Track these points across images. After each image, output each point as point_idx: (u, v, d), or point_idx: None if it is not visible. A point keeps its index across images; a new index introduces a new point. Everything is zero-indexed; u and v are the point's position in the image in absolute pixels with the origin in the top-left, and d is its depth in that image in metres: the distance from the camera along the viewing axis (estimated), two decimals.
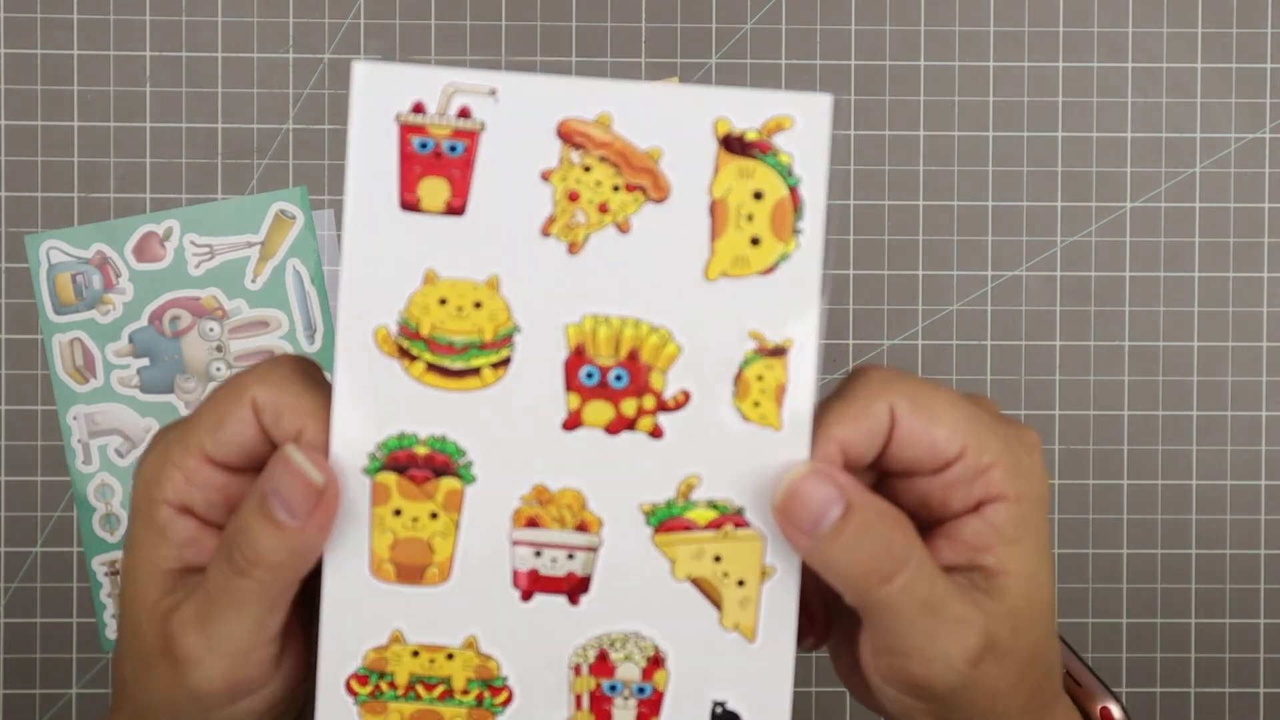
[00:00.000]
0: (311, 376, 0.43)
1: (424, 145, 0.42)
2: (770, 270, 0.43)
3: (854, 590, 0.40)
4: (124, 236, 0.72)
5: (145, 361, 0.72)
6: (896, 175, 0.73)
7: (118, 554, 0.72)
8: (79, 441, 0.72)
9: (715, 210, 0.43)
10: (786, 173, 0.43)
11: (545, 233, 0.42)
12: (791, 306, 0.43)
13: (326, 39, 0.73)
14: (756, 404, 0.42)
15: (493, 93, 0.42)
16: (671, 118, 0.42)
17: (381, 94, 0.41)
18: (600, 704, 0.43)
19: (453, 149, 0.42)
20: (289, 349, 0.72)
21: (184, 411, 0.72)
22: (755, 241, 0.43)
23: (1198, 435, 0.74)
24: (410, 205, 0.42)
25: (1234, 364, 0.73)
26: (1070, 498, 0.74)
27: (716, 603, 0.43)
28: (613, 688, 0.43)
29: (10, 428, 0.72)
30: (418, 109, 0.42)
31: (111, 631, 0.72)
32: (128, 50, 0.72)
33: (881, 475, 0.44)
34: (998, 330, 0.73)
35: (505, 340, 0.42)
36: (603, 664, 0.43)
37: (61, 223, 0.72)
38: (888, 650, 0.41)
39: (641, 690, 0.43)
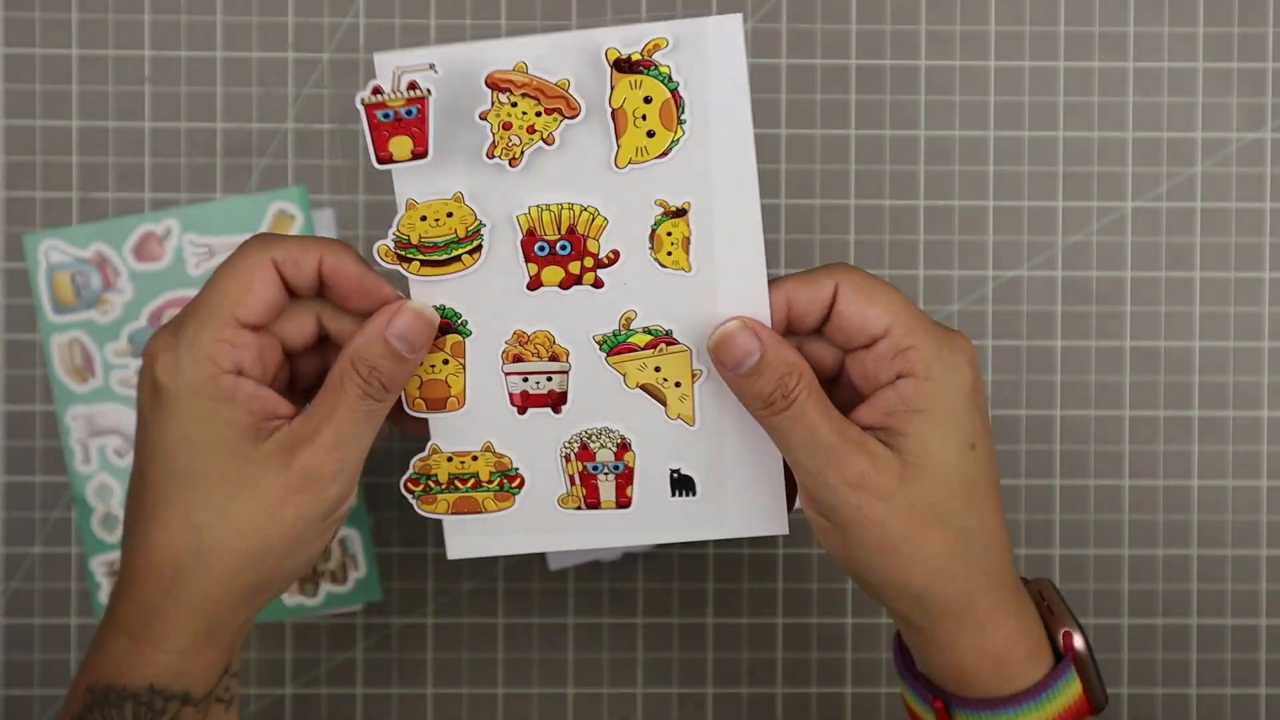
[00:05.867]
0: (288, 231, 0.56)
1: (386, 115, 0.56)
2: (665, 154, 0.56)
3: (759, 415, 0.54)
4: (123, 236, 0.72)
5: None
6: (896, 175, 0.73)
7: (117, 554, 0.72)
8: (78, 441, 0.72)
9: (616, 117, 0.56)
10: (666, 79, 0.56)
11: (490, 155, 0.56)
12: (686, 177, 0.56)
13: (326, 39, 0.73)
14: (669, 253, 0.56)
15: (432, 66, 0.55)
16: (573, 55, 0.56)
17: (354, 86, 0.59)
18: (588, 480, 0.59)
19: (409, 113, 0.56)
20: None
21: None
22: (650, 134, 0.56)
23: (1199, 435, 0.73)
24: (385, 160, 0.56)
25: (1235, 364, 0.73)
26: (1070, 497, 0.73)
27: (662, 401, 0.58)
28: (595, 468, 0.59)
29: (10, 428, 0.72)
30: (376, 90, 0.55)
31: None
32: (127, 50, 0.72)
33: (837, 349, 0.56)
34: (998, 330, 0.73)
35: (475, 234, 0.56)
36: (585, 451, 0.59)
37: (60, 222, 0.72)
38: (797, 473, 0.54)
39: (616, 468, 0.59)
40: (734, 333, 0.54)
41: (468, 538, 0.60)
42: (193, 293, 0.71)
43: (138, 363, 0.72)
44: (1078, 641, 0.55)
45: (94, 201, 0.72)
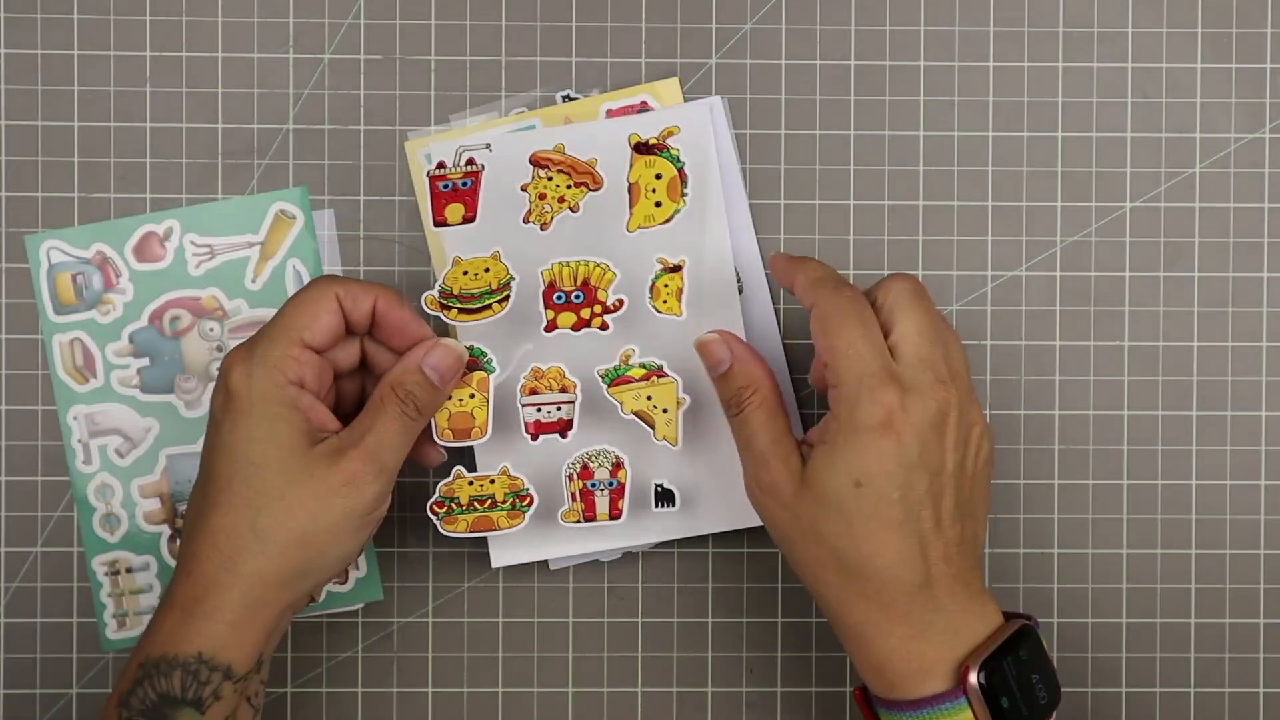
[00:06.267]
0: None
1: (445, 186, 0.69)
2: (668, 220, 0.69)
3: (726, 413, 0.65)
4: (124, 236, 0.72)
5: (145, 361, 0.72)
6: (896, 175, 0.73)
7: (117, 554, 0.72)
8: (79, 441, 0.72)
9: (631, 190, 0.69)
10: (675, 160, 0.69)
11: (526, 221, 0.69)
12: (683, 240, 0.69)
13: (326, 39, 0.73)
14: (665, 301, 0.68)
15: (488, 146, 0.69)
16: (602, 139, 0.69)
17: (420, 162, 0.70)
18: (587, 496, 0.69)
19: (464, 184, 0.69)
20: None
21: (184, 413, 0.72)
22: (658, 205, 0.69)
23: (1198, 435, 0.74)
24: (440, 223, 0.69)
25: (1234, 364, 0.73)
26: (1070, 497, 0.74)
27: (651, 425, 0.68)
28: (593, 485, 0.69)
29: (10, 428, 0.72)
30: (440, 165, 0.69)
31: (111, 631, 0.72)
32: (128, 50, 0.72)
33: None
34: (998, 330, 0.73)
35: (505, 286, 0.68)
36: (585, 470, 0.69)
37: (61, 223, 0.72)
38: (750, 460, 0.63)
39: (611, 483, 0.69)
40: (710, 342, 0.66)
41: (507, 550, 0.70)
42: (193, 292, 0.72)
43: (139, 363, 0.72)
44: (973, 677, 0.59)
45: (95, 202, 0.72)
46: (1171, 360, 0.73)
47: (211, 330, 0.72)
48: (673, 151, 0.69)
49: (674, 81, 0.72)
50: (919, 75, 0.73)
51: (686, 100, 0.71)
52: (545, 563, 0.73)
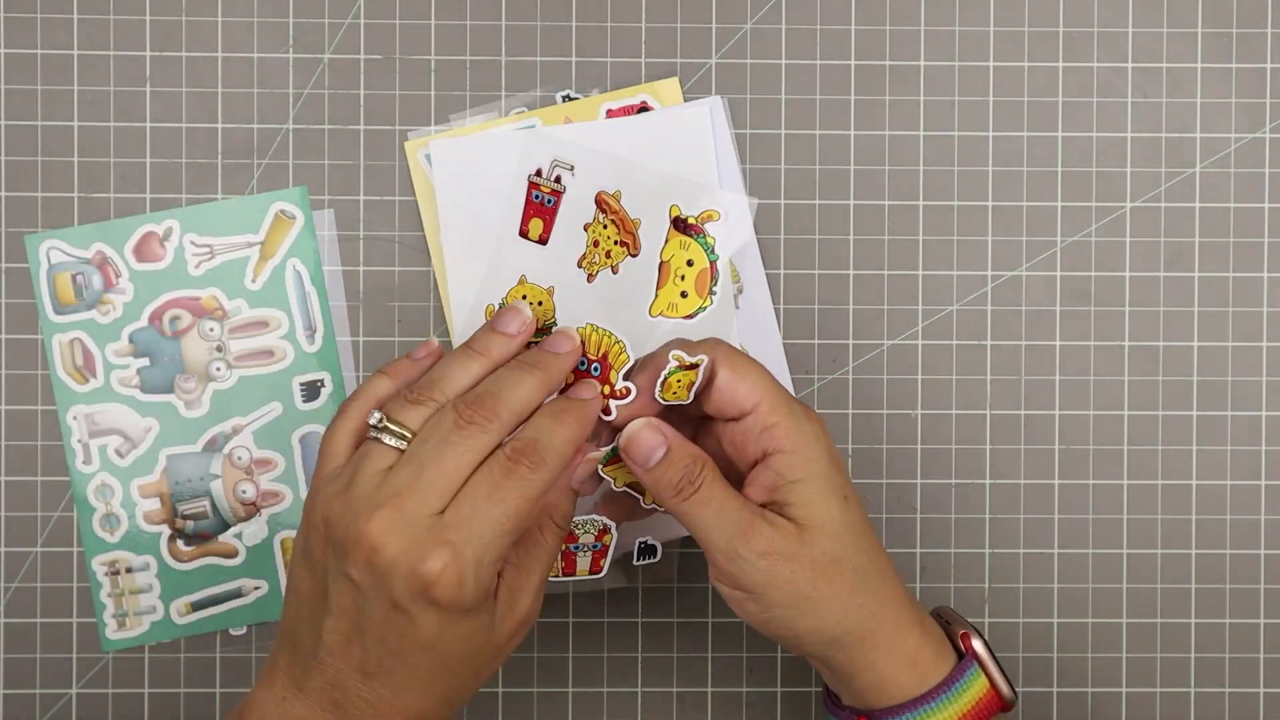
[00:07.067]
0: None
1: (538, 196, 0.67)
2: (691, 316, 0.68)
3: (671, 504, 0.60)
4: (124, 236, 0.72)
5: (145, 361, 0.72)
6: (896, 175, 0.73)
7: (117, 554, 0.72)
8: (79, 441, 0.72)
9: (662, 268, 0.68)
10: (710, 250, 0.68)
11: (579, 264, 0.68)
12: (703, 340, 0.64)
13: (326, 39, 0.73)
14: (674, 393, 0.61)
15: (572, 169, 0.68)
16: (649, 205, 0.68)
17: (519, 161, 0.69)
18: (568, 556, 0.65)
19: (549, 201, 0.68)
20: (289, 349, 0.72)
21: (184, 413, 0.72)
22: (684, 295, 0.68)
23: (1198, 435, 0.74)
24: (524, 234, 0.68)
25: (1234, 364, 0.73)
26: (1070, 497, 0.74)
27: (641, 493, 0.64)
28: (576, 548, 0.65)
29: (10, 428, 0.72)
30: (539, 173, 0.67)
31: (111, 631, 0.72)
32: (128, 50, 0.72)
33: (704, 422, 0.63)
34: (998, 330, 0.73)
35: (546, 330, 0.66)
36: (570, 536, 0.65)
37: (61, 223, 0.72)
38: (710, 552, 0.60)
39: (595, 546, 0.65)
40: (640, 430, 0.60)
41: None
42: (193, 292, 0.72)
43: (139, 363, 0.72)
44: (975, 642, 0.61)
45: (95, 202, 0.72)
46: (1171, 360, 0.73)
47: (211, 330, 0.72)
48: (709, 240, 0.67)
49: (674, 81, 0.72)
50: (919, 75, 0.73)
51: (686, 100, 0.71)
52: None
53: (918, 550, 0.73)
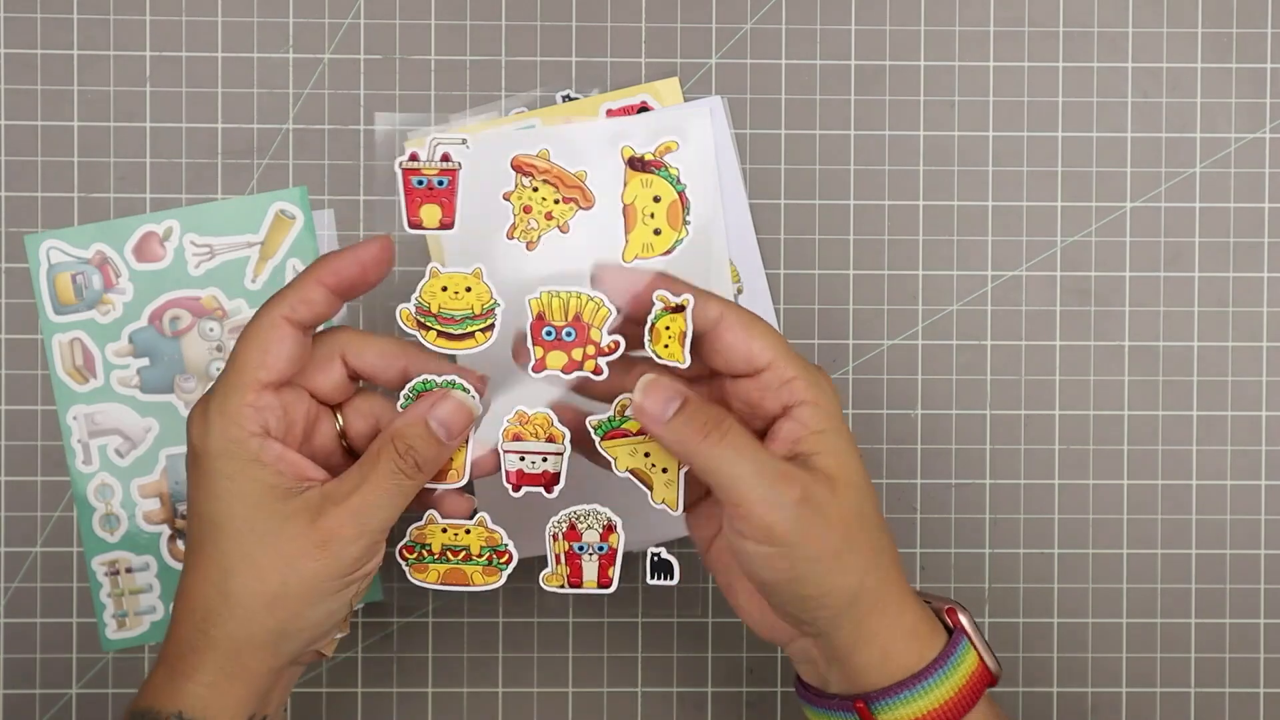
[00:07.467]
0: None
1: (420, 182, 0.59)
2: (669, 251, 0.61)
3: (693, 452, 0.56)
4: (124, 236, 0.72)
5: (145, 361, 0.72)
6: (896, 175, 0.73)
7: (117, 554, 0.72)
8: (79, 441, 0.72)
9: (627, 212, 0.61)
10: (674, 181, 0.61)
11: (510, 236, 0.60)
12: (686, 275, 0.59)
13: (326, 39, 0.73)
14: (666, 345, 0.58)
15: (464, 141, 0.60)
16: (592, 149, 0.61)
17: (390, 151, 0.64)
18: (573, 559, 0.61)
19: (440, 183, 0.60)
20: None
21: (184, 412, 0.72)
22: (657, 232, 0.61)
23: (1198, 435, 0.74)
24: (415, 225, 0.60)
25: (1234, 364, 0.73)
26: (1070, 497, 0.74)
27: (649, 485, 0.60)
28: (581, 548, 0.61)
29: (10, 428, 0.72)
30: (413, 157, 0.59)
31: (111, 631, 0.72)
32: (128, 50, 0.72)
33: (716, 378, 0.60)
34: (998, 330, 0.73)
35: (489, 312, 0.59)
36: (572, 531, 0.61)
37: (61, 223, 0.72)
38: (737, 505, 0.56)
39: (601, 548, 0.61)
40: (654, 378, 0.57)
41: None
42: (193, 292, 0.72)
43: (139, 363, 0.72)
44: (962, 616, 0.60)
45: (95, 202, 0.72)
46: (1171, 360, 0.73)
47: (211, 330, 0.72)
48: (672, 171, 0.61)
49: (674, 81, 0.72)
50: (919, 75, 0.73)
51: (687, 100, 0.71)
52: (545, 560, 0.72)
53: (918, 550, 0.73)
